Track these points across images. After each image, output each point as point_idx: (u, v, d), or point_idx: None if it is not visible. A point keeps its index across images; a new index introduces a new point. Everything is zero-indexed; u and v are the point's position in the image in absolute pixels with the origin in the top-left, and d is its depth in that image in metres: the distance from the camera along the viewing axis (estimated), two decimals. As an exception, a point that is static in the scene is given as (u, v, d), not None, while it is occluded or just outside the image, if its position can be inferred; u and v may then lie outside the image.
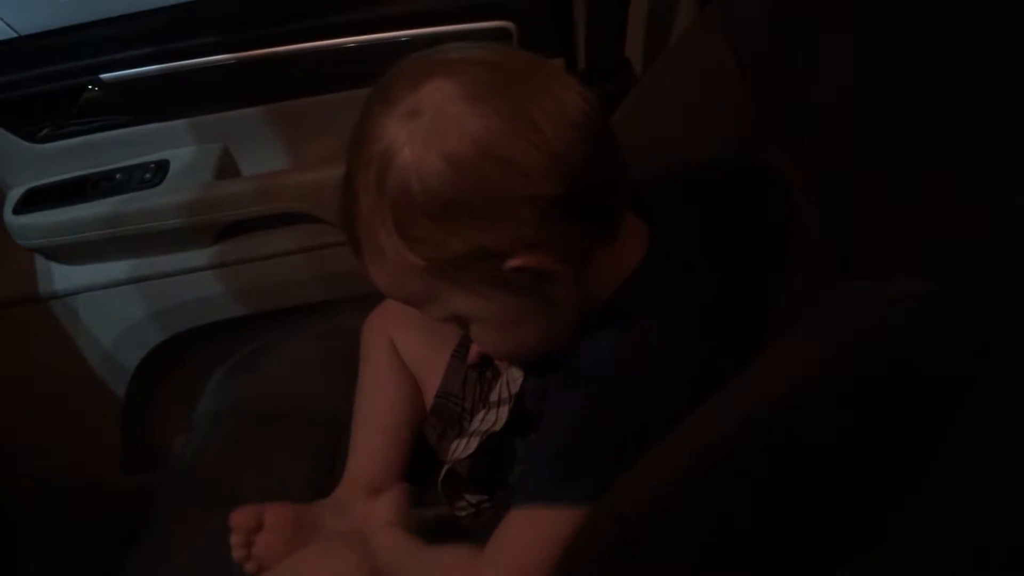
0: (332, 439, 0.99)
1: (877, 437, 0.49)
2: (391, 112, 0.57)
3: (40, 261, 1.28)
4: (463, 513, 0.83)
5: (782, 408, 0.50)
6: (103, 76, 1.19)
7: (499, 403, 0.79)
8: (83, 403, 1.35)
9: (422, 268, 0.58)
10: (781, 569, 0.56)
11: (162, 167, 1.22)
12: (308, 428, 1.02)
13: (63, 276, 1.27)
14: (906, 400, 0.48)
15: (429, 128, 0.55)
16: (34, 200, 1.22)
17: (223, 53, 1.20)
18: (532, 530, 0.61)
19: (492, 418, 0.79)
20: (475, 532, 0.79)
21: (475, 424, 0.82)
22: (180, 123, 1.23)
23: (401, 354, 0.97)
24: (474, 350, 0.94)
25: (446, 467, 0.84)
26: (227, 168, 1.24)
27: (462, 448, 0.82)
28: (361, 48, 1.21)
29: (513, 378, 0.77)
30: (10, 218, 1.21)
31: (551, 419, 0.67)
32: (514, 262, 0.58)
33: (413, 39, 1.19)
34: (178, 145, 1.24)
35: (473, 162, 0.55)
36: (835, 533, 0.53)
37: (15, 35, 1.20)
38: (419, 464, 0.92)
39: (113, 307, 1.27)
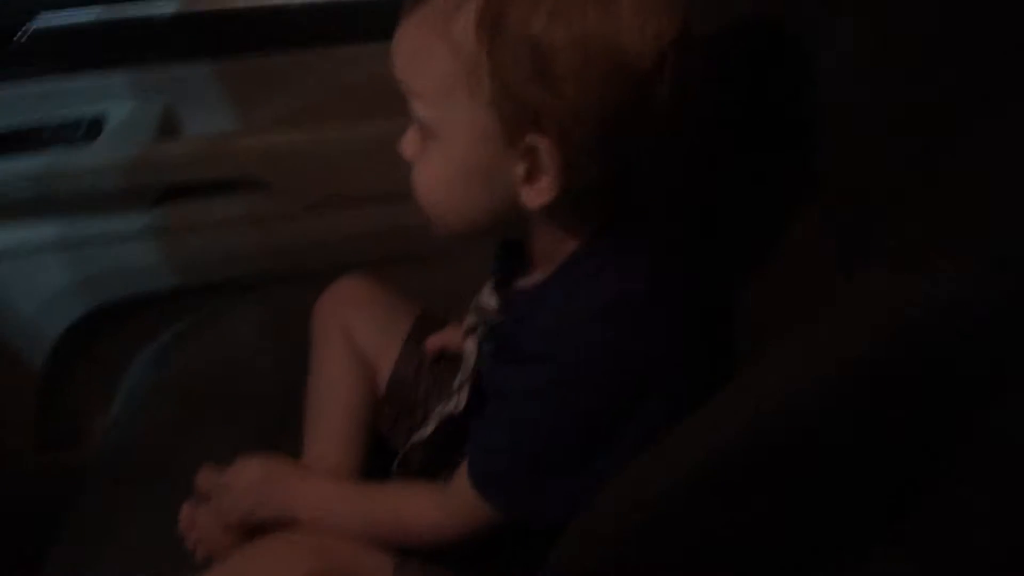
0: (278, 417, 0.94)
1: (896, 437, 0.48)
2: None
3: (-48, 222, 1.18)
4: None
5: (797, 410, 0.49)
6: (35, 24, 1.10)
7: (460, 387, 0.77)
8: (-4, 377, 1.26)
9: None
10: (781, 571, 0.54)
11: (97, 123, 1.14)
12: (253, 405, 0.97)
13: (-22, 239, 1.17)
14: (933, 402, 0.47)
15: None
16: (-52, 154, 1.13)
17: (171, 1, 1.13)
18: (465, 499, 0.66)
19: (453, 402, 0.77)
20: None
21: (436, 413, 0.80)
22: (118, 76, 1.15)
23: (355, 338, 0.94)
24: (431, 341, 0.92)
25: (402, 452, 0.82)
26: (169, 127, 1.17)
27: (418, 434, 0.80)
28: (322, 6, 1.15)
29: (467, 356, 0.75)
30: (-81, 172, 1.11)
31: (503, 391, 0.66)
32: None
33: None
34: (115, 99, 1.16)
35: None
36: (840, 533, 0.53)
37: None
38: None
39: (35, 274, 1.18)
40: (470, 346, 0.75)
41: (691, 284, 0.64)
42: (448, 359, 0.93)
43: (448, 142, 0.59)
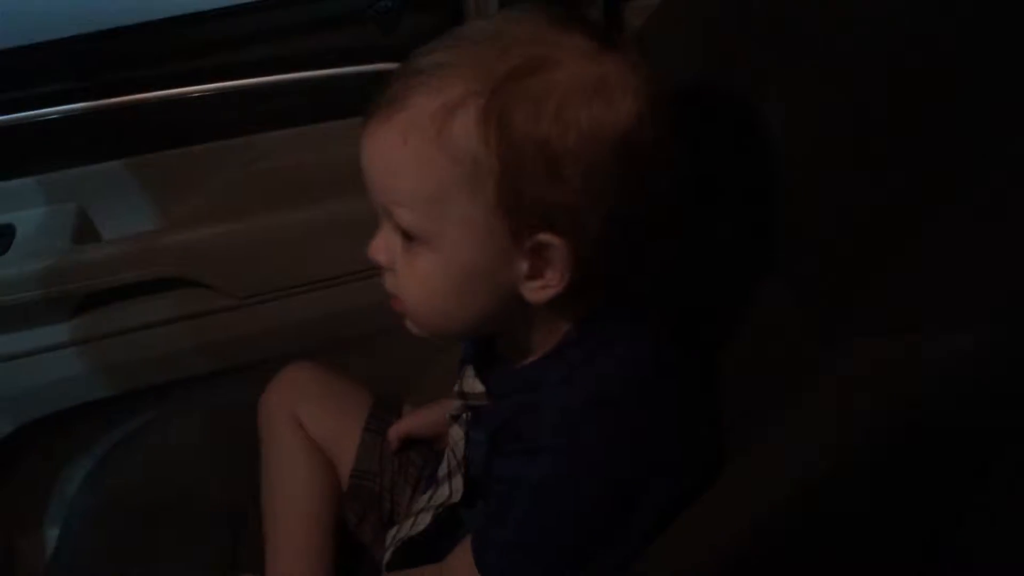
0: (231, 531, 0.91)
1: (916, 492, 0.49)
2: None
3: None
4: None
5: (810, 489, 0.49)
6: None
7: (449, 475, 0.74)
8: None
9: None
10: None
11: (6, 232, 1.08)
12: (202, 520, 0.92)
13: None
14: (947, 456, 0.47)
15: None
16: None
17: (75, 101, 1.08)
18: None
19: (445, 491, 0.74)
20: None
21: (421, 503, 0.78)
22: (25, 182, 1.10)
23: (308, 429, 0.92)
24: (394, 431, 0.91)
25: (390, 550, 0.79)
26: (85, 231, 1.12)
27: (409, 526, 0.77)
28: (231, 93, 1.12)
29: (455, 442, 0.73)
30: None
31: (504, 488, 0.64)
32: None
33: (287, 83, 1.13)
34: (23, 207, 1.11)
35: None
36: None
37: None
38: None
39: (-51, 397, 1.11)
40: (457, 433, 0.73)
41: (681, 359, 0.64)
42: (410, 445, 0.91)
43: (442, 247, 0.57)
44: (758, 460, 0.54)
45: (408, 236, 0.58)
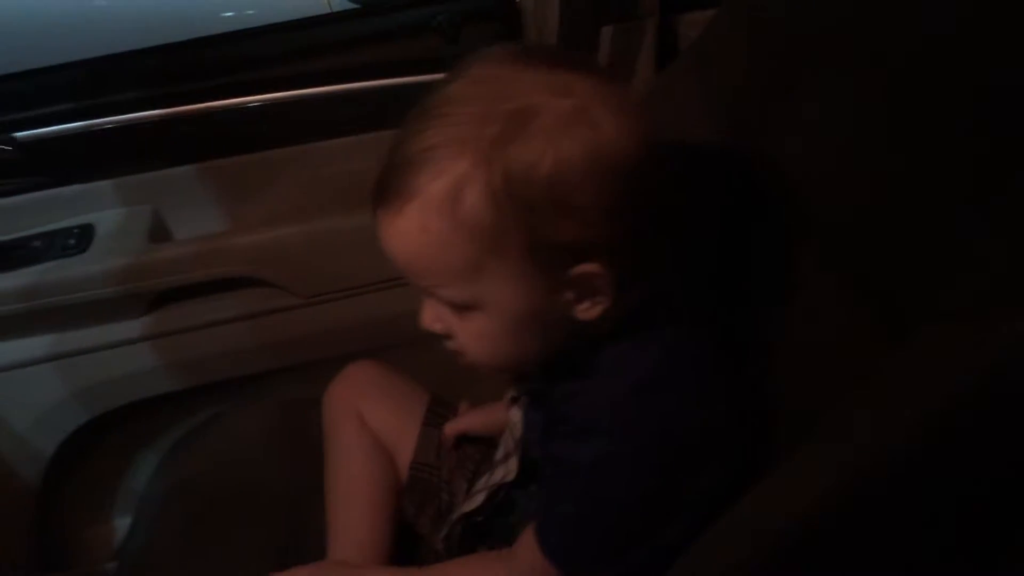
0: (294, 518, 0.95)
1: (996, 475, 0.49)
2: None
3: (-58, 341, 1.16)
4: None
5: (890, 465, 0.49)
6: (17, 135, 1.10)
7: (506, 456, 0.78)
8: (-9, 498, 1.23)
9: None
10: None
11: (86, 232, 1.15)
12: (267, 508, 0.96)
13: (-30, 356, 1.16)
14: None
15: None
16: (-62, 273, 1.12)
17: (151, 109, 1.14)
18: (536, 569, 0.66)
19: (501, 472, 0.77)
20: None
21: (479, 485, 0.81)
22: (104, 184, 1.17)
23: (369, 424, 0.95)
24: (450, 428, 0.94)
25: (447, 527, 0.82)
26: (158, 232, 1.18)
27: (467, 505, 0.80)
28: (301, 102, 1.17)
29: (513, 424, 0.76)
30: (-90, 295, 1.10)
31: (562, 469, 0.65)
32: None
33: (354, 92, 1.17)
34: (102, 208, 1.17)
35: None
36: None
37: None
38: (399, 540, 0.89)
39: (29, 388, 1.17)
40: (515, 415, 0.76)
41: (725, 350, 0.66)
42: (467, 441, 0.94)
43: (490, 308, 0.59)
44: (811, 452, 0.54)
45: (459, 307, 0.60)
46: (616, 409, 0.61)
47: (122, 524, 1.33)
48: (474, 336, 0.62)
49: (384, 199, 0.58)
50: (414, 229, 0.57)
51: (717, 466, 0.61)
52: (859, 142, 0.60)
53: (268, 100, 1.17)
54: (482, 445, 0.94)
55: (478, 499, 0.78)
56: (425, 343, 1.17)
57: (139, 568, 0.95)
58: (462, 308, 0.60)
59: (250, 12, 1.69)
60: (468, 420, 0.94)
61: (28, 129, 1.12)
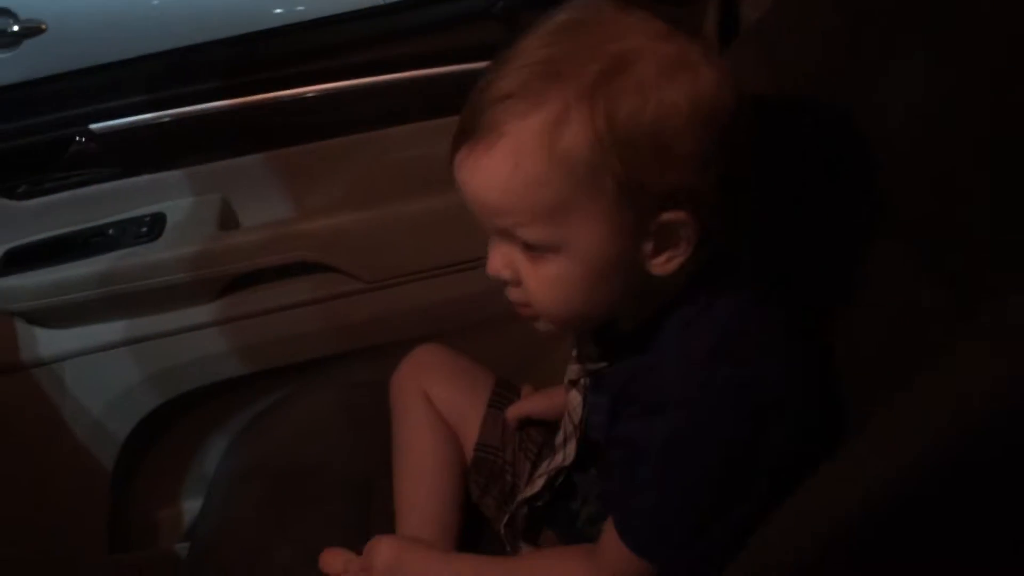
0: (364, 499, 0.97)
1: None
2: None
3: (21, 326, 1.21)
4: None
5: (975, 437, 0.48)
6: (93, 126, 1.14)
7: (564, 441, 0.78)
8: (67, 480, 1.27)
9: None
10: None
11: (158, 220, 1.18)
12: (337, 489, 0.98)
13: (47, 341, 1.20)
14: None
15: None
16: (16, 260, 1.17)
17: (220, 100, 1.17)
18: (622, 563, 0.65)
19: (560, 457, 0.77)
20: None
21: (540, 470, 0.81)
22: (175, 174, 1.20)
23: (436, 406, 0.96)
24: (512, 411, 0.94)
25: (509, 512, 0.83)
26: (227, 220, 1.21)
27: (528, 490, 0.81)
28: (364, 90, 1.19)
29: (572, 408, 0.76)
30: (-9, 280, 1.15)
31: (633, 452, 0.65)
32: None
33: (415, 80, 1.19)
34: (173, 197, 1.20)
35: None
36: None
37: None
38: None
39: (104, 373, 1.21)
40: (575, 398, 0.75)
41: (792, 317, 0.65)
42: (530, 424, 0.95)
43: (570, 250, 0.59)
44: (872, 437, 0.54)
45: (531, 247, 0.60)
46: (688, 379, 0.60)
47: (191, 507, 1.37)
48: (547, 282, 0.61)
49: (471, 136, 0.58)
50: (506, 165, 0.56)
51: (791, 434, 0.61)
52: (938, 114, 0.60)
53: (332, 89, 1.19)
54: (545, 428, 0.95)
55: (538, 484, 0.79)
56: (487, 328, 1.21)
57: (212, 547, 0.98)
58: (539, 251, 0.60)
59: (300, 8, 1.71)
60: (530, 403, 0.95)
61: (104, 120, 1.15)
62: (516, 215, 0.58)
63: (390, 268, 1.19)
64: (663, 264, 0.60)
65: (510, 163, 0.56)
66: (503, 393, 0.97)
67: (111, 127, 1.15)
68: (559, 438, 0.79)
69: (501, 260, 0.62)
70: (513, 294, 0.64)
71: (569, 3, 0.60)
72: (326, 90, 1.19)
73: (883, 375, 0.60)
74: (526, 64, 0.57)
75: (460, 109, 1.08)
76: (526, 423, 0.95)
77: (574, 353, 0.74)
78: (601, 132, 0.55)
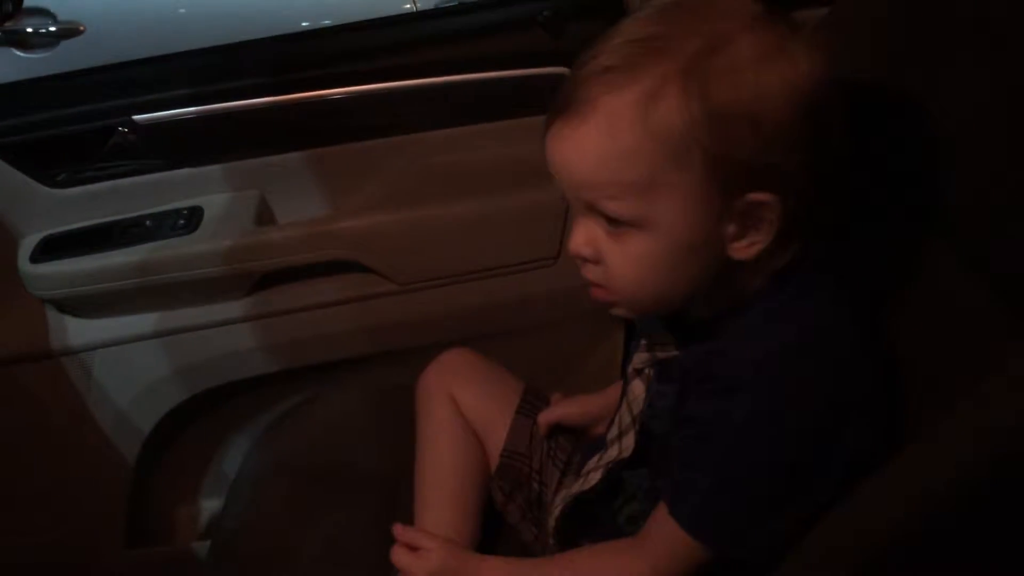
0: (389, 499, 0.96)
1: None
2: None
3: (52, 314, 1.22)
4: None
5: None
6: (136, 118, 1.16)
7: (620, 435, 0.77)
8: (89, 471, 1.29)
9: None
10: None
11: (195, 214, 1.19)
12: (362, 488, 0.99)
13: (78, 330, 1.22)
14: None
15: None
16: (54, 248, 1.19)
17: (261, 96, 1.18)
18: (672, 545, 0.66)
19: (615, 451, 0.76)
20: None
21: (590, 465, 0.80)
22: (214, 169, 1.21)
23: (462, 410, 0.96)
24: (544, 417, 0.94)
25: (560, 507, 0.82)
26: (264, 216, 1.22)
27: (579, 485, 0.80)
28: (406, 93, 1.20)
29: (635, 398, 0.75)
30: (26, 267, 1.17)
31: (700, 431, 0.64)
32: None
33: (459, 84, 1.20)
34: (211, 192, 1.22)
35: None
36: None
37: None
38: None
39: (132, 364, 1.22)
40: (638, 388, 0.74)
41: (869, 317, 0.65)
42: (560, 432, 0.95)
43: (656, 226, 0.59)
44: (929, 445, 0.54)
45: (615, 223, 0.61)
46: (762, 368, 0.61)
47: (210, 505, 1.38)
48: (629, 259, 0.62)
49: (566, 108, 0.59)
50: (600, 136, 0.58)
51: (857, 434, 0.61)
52: (1004, 126, 0.60)
53: (373, 91, 1.20)
54: (574, 436, 0.95)
55: (593, 479, 0.78)
56: (519, 335, 1.21)
57: (238, 539, 0.98)
58: (623, 227, 0.60)
59: (326, 22, 1.75)
60: (563, 409, 0.95)
61: (146, 113, 1.16)
62: (605, 187, 0.59)
63: (424, 271, 1.20)
64: (745, 248, 0.61)
65: (604, 134, 0.58)
66: (532, 401, 0.97)
67: (154, 119, 1.16)
68: (612, 433, 0.78)
69: (583, 237, 0.63)
70: (592, 273, 0.65)
71: None
72: (367, 91, 1.20)
73: (937, 384, 0.59)
74: (626, 40, 0.59)
75: (502, 115, 1.09)
76: (556, 431, 0.94)
77: (643, 343, 0.74)
78: (694, 107, 0.56)
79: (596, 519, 0.80)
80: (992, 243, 0.59)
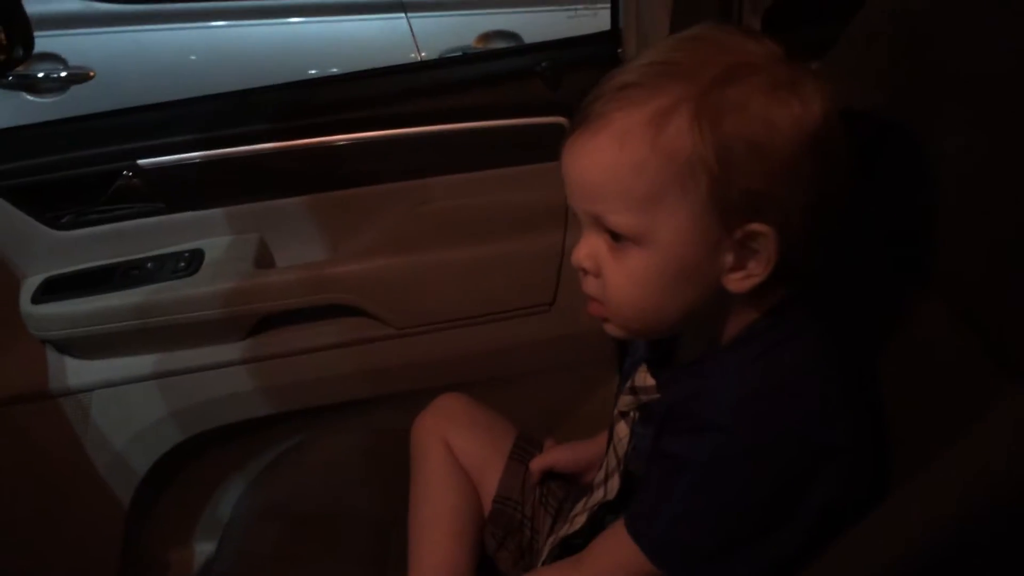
0: (381, 544, 0.97)
1: None
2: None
3: (52, 355, 1.24)
4: None
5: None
6: (141, 162, 1.18)
7: (606, 478, 0.78)
8: (83, 512, 1.29)
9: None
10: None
11: (196, 256, 1.21)
12: (354, 533, 0.99)
13: (76, 371, 1.23)
14: None
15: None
16: (55, 289, 1.20)
17: (263, 142, 1.21)
18: (622, 558, 0.67)
19: (600, 494, 0.77)
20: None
21: (577, 509, 0.81)
22: (216, 212, 1.23)
23: (457, 455, 0.97)
24: (536, 464, 0.95)
25: (547, 550, 0.83)
26: (263, 259, 1.24)
27: (565, 529, 0.81)
28: (407, 140, 1.22)
29: (618, 440, 0.76)
30: (28, 307, 1.19)
31: (674, 465, 0.65)
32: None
33: (459, 132, 1.22)
34: (211, 235, 1.24)
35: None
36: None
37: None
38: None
39: (130, 405, 1.23)
40: (622, 430, 0.76)
41: (854, 365, 0.66)
42: (552, 478, 0.95)
43: (654, 245, 0.61)
44: (922, 489, 0.54)
45: (616, 238, 0.62)
46: (738, 410, 0.62)
47: (204, 549, 1.37)
48: (625, 275, 0.63)
49: (584, 122, 0.62)
50: (612, 147, 0.60)
51: (831, 483, 0.62)
52: (987, 178, 0.61)
53: (373, 138, 1.23)
54: (566, 483, 0.95)
55: (579, 522, 0.79)
56: (514, 381, 1.21)
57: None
58: (623, 242, 0.62)
59: (334, 70, 1.79)
60: (555, 456, 0.95)
61: (150, 157, 1.19)
62: (611, 199, 0.61)
63: (421, 315, 1.21)
64: (739, 280, 0.62)
65: (615, 145, 0.60)
66: (525, 447, 0.97)
67: (158, 163, 1.19)
68: (599, 476, 0.79)
69: (587, 249, 0.65)
70: (591, 286, 0.66)
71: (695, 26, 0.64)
72: (369, 138, 1.23)
73: (921, 433, 0.60)
74: (648, 63, 0.61)
75: (500, 162, 1.10)
76: (548, 477, 0.95)
77: (627, 386, 0.75)
78: (704, 127, 0.58)
79: None
80: (983, 301, 0.60)
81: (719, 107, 0.58)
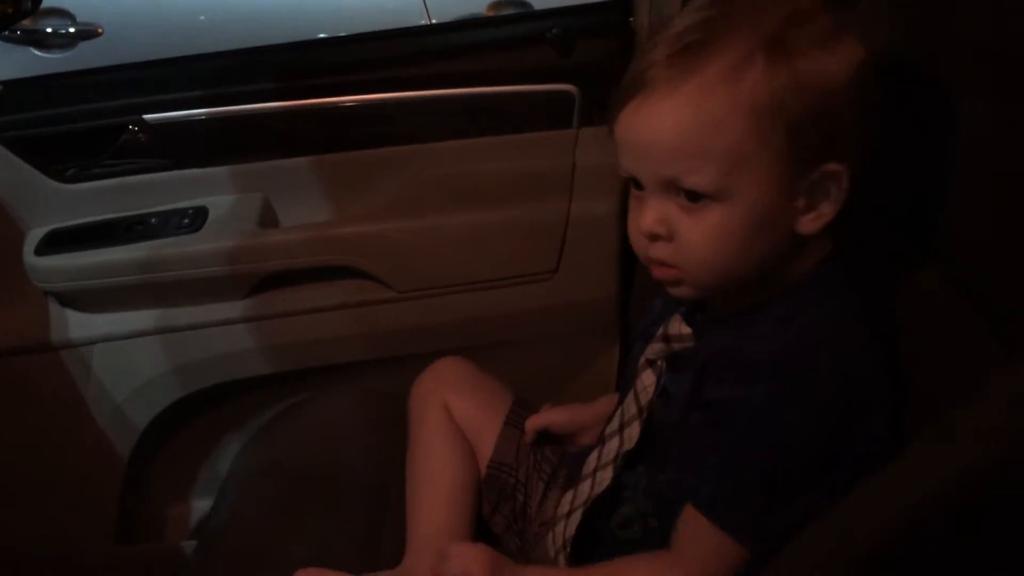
0: (377, 504, 0.98)
1: None
2: None
3: (54, 307, 1.24)
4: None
5: None
6: (147, 117, 1.18)
7: (622, 427, 0.78)
8: (83, 464, 1.30)
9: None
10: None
11: (200, 213, 1.22)
12: (351, 492, 1.00)
13: (79, 324, 1.24)
14: None
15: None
16: (59, 241, 1.21)
17: (271, 101, 1.21)
18: (702, 544, 0.67)
19: (615, 444, 0.77)
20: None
21: (591, 464, 0.80)
22: (221, 170, 1.23)
23: (453, 415, 0.98)
24: (531, 423, 0.95)
25: (579, 510, 0.81)
26: (267, 219, 1.24)
27: (588, 488, 0.79)
28: (414, 104, 1.22)
29: (643, 388, 0.76)
30: (31, 259, 1.19)
31: (721, 411, 0.66)
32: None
33: (467, 97, 1.22)
34: (216, 192, 1.24)
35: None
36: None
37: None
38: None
39: (131, 360, 1.24)
40: (648, 378, 0.76)
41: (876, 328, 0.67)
42: (546, 443, 0.96)
43: (734, 198, 0.62)
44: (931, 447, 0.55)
45: (694, 197, 0.63)
46: (781, 359, 0.63)
47: (200, 505, 1.38)
48: (707, 232, 0.63)
49: (643, 88, 0.62)
50: (688, 108, 0.61)
51: (868, 433, 0.63)
52: (997, 153, 0.61)
53: (383, 100, 1.23)
54: (560, 448, 0.96)
55: (604, 478, 0.77)
56: (514, 347, 1.22)
57: (224, 539, 0.99)
58: (701, 201, 0.62)
59: (342, 34, 1.78)
60: (551, 416, 0.96)
61: (158, 112, 1.19)
62: (689, 159, 0.62)
63: (424, 279, 1.22)
64: (811, 221, 0.64)
65: (692, 105, 0.61)
66: (520, 411, 0.98)
67: (165, 119, 1.19)
68: (612, 427, 0.79)
69: (656, 214, 0.65)
70: (661, 250, 0.66)
71: None
72: (376, 100, 1.23)
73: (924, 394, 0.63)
74: (702, 20, 0.62)
75: (507, 129, 1.09)
76: (542, 441, 0.96)
77: (659, 333, 0.75)
78: (781, 76, 0.59)
79: (591, 526, 0.80)
80: (985, 274, 0.61)
81: (789, 53, 0.60)
